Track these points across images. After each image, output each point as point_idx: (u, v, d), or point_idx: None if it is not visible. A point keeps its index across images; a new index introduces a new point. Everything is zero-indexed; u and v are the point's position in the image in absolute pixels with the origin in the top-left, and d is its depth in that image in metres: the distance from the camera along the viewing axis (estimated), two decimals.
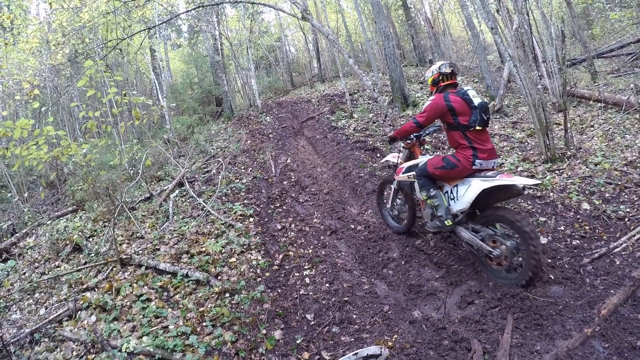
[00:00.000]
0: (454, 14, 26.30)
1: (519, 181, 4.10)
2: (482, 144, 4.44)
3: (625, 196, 5.73)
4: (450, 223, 4.66)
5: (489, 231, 4.44)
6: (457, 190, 4.61)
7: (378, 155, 9.36)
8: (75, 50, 14.16)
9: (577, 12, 17.61)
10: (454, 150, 4.68)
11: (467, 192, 4.42)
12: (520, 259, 4.36)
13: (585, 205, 5.75)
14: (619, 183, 6.00)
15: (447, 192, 4.79)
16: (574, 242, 5.13)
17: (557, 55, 9.26)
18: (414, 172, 5.13)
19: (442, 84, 4.79)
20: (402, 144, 5.81)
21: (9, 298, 5.78)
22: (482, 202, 4.49)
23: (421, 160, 5.25)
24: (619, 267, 4.48)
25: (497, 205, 4.62)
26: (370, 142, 10.11)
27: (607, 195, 5.87)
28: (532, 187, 6.38)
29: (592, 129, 8.55)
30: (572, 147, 7.43)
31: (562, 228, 5.44)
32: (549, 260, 4.84)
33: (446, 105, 4.49)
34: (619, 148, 7.18)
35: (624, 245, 4.77)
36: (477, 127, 4.40)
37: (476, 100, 4.50)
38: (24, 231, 8.19)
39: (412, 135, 5.54)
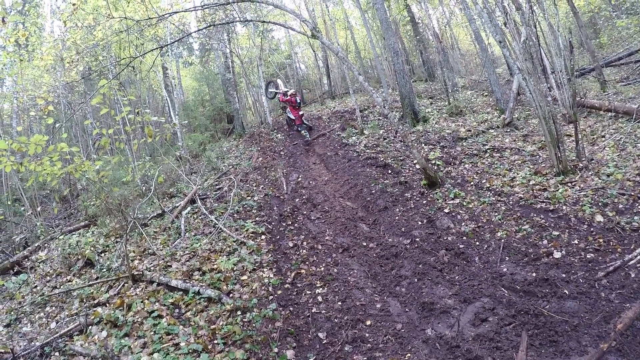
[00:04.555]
0: (461, 28, 26.34)
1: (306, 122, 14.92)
2: (297, 111, 14.82)
3: (639, 206, 5.66)
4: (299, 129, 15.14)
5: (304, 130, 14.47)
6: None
7: (389, 171, 9.35)
8: (89, 67, 14.39)
9: (584, 21, 17.55)
10: (290, 112, 15.38)
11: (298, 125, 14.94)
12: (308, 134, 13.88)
13: (599, 218, 5.68)
14: (632, 193, 5.93)
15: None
16: (588, 256, 5.07)
17: (566, 66, 9.22)
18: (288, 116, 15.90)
19: (289, 94, 15.01)
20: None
21: (21, 311, 5.84)
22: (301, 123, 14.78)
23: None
24: (635, 280, 4.41)
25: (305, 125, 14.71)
26: (382, 159, 10.11)
27: (620, 206, 5.80)
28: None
29: (603, 139, 8.47)
30: (583, 159, 7.37)
31: (576, 241, 5.38)
32: (563, 275, 4.79)
33: (289, 100, 14.85)
34: (631, 158, 7.10)
35: (639, 257, 4.70)
36: (295, 107, 14.82)
37: (297, 99, 14.91)
38: (36, 245, 8.28)
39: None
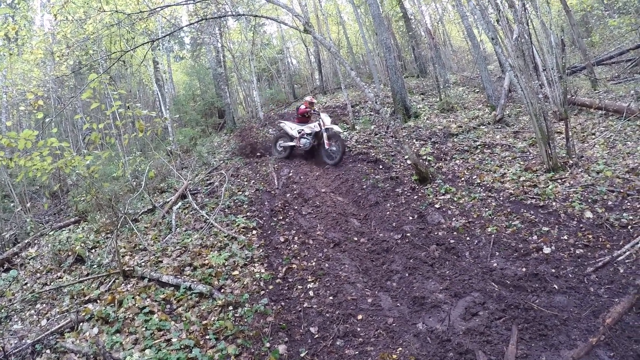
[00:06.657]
0: (454, 25, 26.40)
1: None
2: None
3: (628, 204, 5.73)
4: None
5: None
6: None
7: (380, 167, 9.37)
8: (79, 61, 14.27)
9: (576, 19, 17.68)
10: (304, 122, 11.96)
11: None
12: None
13: (588, 214, 5.74)
14: (622, 190, 6.01)
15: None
16: (577, 252, 5.12)
17: (557, 64, 9.30)
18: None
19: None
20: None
21: (11, 308, 5.78)
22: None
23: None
24: (623, 275, 4.47)
25: None
26: (373, 154, 10.13)
27: (609, 203, 5.87)
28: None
29: (593, 136, 8.56)
30: (573, 156, 7.44)
31: (566, 237, 5.44)
32: (553, 270, 4.84)
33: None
34: (621, 155, 7.19)
35: (627, 253, 4.76)
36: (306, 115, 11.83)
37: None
38: (26, 241, 8.19)
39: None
